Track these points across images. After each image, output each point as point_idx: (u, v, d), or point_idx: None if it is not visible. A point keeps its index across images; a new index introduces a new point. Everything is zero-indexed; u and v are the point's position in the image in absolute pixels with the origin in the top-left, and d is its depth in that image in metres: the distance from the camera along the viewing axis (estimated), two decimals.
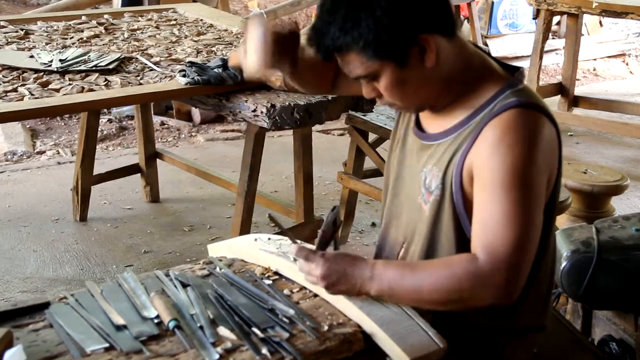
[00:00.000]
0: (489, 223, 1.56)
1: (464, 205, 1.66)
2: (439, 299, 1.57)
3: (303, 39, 1.80)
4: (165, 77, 2.97)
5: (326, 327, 1.53)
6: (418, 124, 1.81)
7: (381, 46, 1.56)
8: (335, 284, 1.61)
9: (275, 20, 1.79)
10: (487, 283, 1.53)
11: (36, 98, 2.69)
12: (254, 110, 2.77)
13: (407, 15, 1.56)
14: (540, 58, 5.48)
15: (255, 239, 1.86)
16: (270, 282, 1.70)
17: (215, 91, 2.88)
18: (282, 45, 1.77)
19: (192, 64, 2.90)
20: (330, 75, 1.97)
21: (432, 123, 1.76)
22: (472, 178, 1.63)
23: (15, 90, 2.76)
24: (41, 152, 5.09)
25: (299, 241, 1.74)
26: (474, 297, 1.55)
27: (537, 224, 1.58)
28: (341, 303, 1.61)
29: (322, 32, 1.60)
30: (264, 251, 1.79)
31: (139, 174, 4.29)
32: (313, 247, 1.69)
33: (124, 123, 5.57)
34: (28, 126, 5.40)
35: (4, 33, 3.47)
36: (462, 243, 1.67)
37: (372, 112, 3.46)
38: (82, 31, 3.59)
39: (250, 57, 1.77)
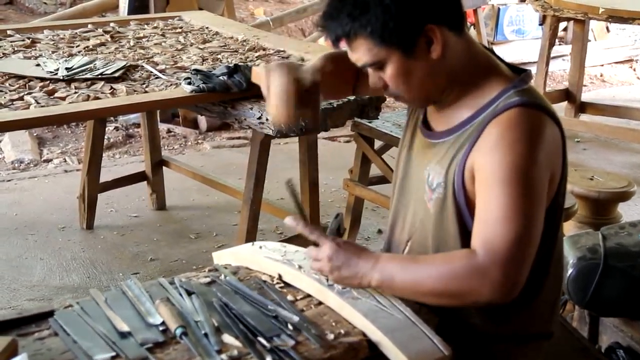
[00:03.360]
0: (489, 219, 1.57)
1: (467, 204, 1.67)
2: (436, 292, 1.59)
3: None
4: (171, 84, 2.98)
5: (331, 336, 1.53)
6: (425, 123, 1.82)
7: (388, 33, 1.60)
8: (340, 268, 1.64)
9: (297, 71, 1.81)
10: (485, 278, 1.53)
11: (42, 106, 2.70)
12: (260, 118, 2.77)
13: (415, 5, 1.60)
14: (547, 64, 5.47)
15: (260, 247, 1.86)
16: (275, 289, 1.70)
17: (221, 99, 2.88)
18: (305, 97, 1.80)
19: (197, 71, 2.90)
20: (350, 83, 2.00)
21: (438, 121, 1.77)
22: (474, 176, 1.63)
23: (21, 98, 2.77)
24: (48, 160, 5.10)
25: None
26: (472, 292, 1.55)
27: (538, 222, 1.58)
28: (346, 311, 1.60)
29: (332, 18, 1.64)
30: (269, 258, 1.79)
31: (145, 182, 4.30)
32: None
33: (131, 131, 5.58)
34: (35, 134, 5.42)
35: (11, 42, 3.48)
36: (466, 241, 1.66)
37: (378, 119, 3.46)
38: (88, 39, 3.60)
39: (272, 110, 1.81)
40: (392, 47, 1.62)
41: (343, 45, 1.68)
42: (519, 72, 1.73)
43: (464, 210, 1.67)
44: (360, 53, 1.66)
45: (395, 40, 1.61)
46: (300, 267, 1.73)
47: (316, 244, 1.70)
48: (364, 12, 1.60)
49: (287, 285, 1.73)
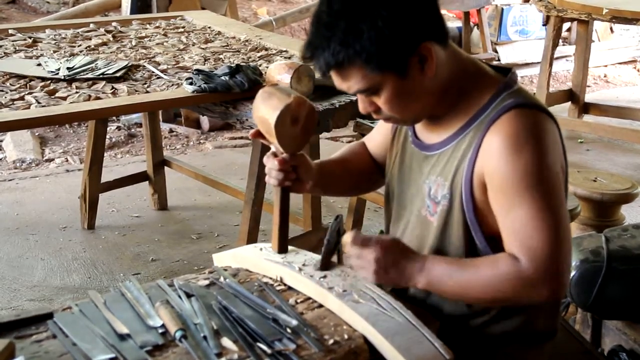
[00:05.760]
0: (520, 227, 1.57)
1: (475, 213, 1.65)
2: (485, 297, 1.62)
3: None
4: (172, 85, 2.97)
5: (331, 340, 1.52)
6: (416, 135, 1.79)
7: (384, 57, 1.55)
8: (387, 271, 1.63)
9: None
10: (533, 284, 1.56)
11: (43, 106, 2.69)
12: None
13: (408, 25, 1.55)
14: (550, 65, 5.45)
15: (261, 249, 1.85)
16: (275, 292, 1.69)
17: (222, 99, 2.87)
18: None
19: (199, 71, 2.89)
20: (369, 164, 2.00)
21: (431, 132, 1.74)
22: (484, 184, 1.62)
23: (22, 98, 2.76)
24: (50, 160, 5.10)
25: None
26: (522, 297, 1.59)
27: (565, 216, 1.60)
28: (346, 314, 1.59)
29: (322, 47, 1.57)
30: (269, 261, 1.77)
31: (146, 182, 4.29)
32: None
33: (133, 130, 5.58)
34: (37, 134, 5.42)
35: (13, 41, 3.48)
36: (471, 252, 1.66)
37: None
38: (90, 39, 3.59)
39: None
40: (387, 71, 1.57)
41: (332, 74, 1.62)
42: (503, 72, 1.71)
43: (471, 219, 1.65)
44: (352, 81, 1.60)
45: (391, 64, 1.56)
46: (300, 269, 1.72)
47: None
48: (358, 38, 1.53)
49: (287, 287, 1.72)
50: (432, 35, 1.59)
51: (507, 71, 1.71)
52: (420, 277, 1.62)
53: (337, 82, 1.63)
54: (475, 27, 7.31)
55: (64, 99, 2.79)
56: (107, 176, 4.18)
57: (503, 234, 1.61)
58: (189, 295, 1.64)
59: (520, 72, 6.81)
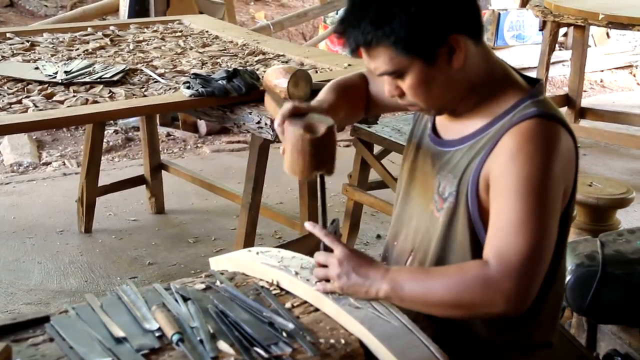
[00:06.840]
0: (502, 230, 1.56)
1: (479, 213, 1.65)
2: (447, 303, 1.57)
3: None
4: (170, 88, 2.98)
5: (327, 344, 1.52)
6: (434, 130, 1.80)
7: (412, 42, 1.56)
8: (349, 274, 1.61)
9: (310, 119, 1.71)
10: (497, 290, 1.52)
11: (40, 110, 2.69)
12: (258, 122, 2.77)
13: (440, 14, 1.56)
14: (547, 69, 5.46)
15: (257, 253, 1.85)
16: (271, 296, 1.69)
17: (220, 103, 2.88)
18: (321, 153, 1.70)
19: (196, 75, 2.90)
20: (361, 107, 1.99)
21: (449, 129, 1.75)
22: (489, 185, 1.62)
23: (19, 102, 2.77)
24: (47, 164, 5.10)
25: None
26: (484, 304, 1.54)
27: (552, 234, 1.58)
28: (342, 317, 1.60)
29: (353, 25, 1.60)
30: (265, 264, 1.78)
31: (144, 186, 4.29)
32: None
33: (130, 134, 5.58)
34: (34, 137, 5.41)
35: (10, 45, 3.48)
36: (476, 251, 1.65)
37: (377, 124, 3.46)
38: (88, 43, 3.60)
39: (287, 165, 1.71)
40: (414, 56, 1.58)
41: (361, 54, 1.64)
42: (531, 82, 1.72)
43: (475, 219, 1.66)
44: (379, 62, 1.61)
45: (419, 50, 1.57)
46: (296, 273, 1.72)
47: (327, 249, 1.68)
48: (388, 21, 1.55)
49: (283, 291, 1.72)
50: (463, 29, 1.60)
51: (535, 81, 1.72)
52: (383, 284, 1.59)
53: (366, 61, 1.65)
54: None
55: (62, 102, 2.80)
56: (104, 180, 4.18)
57: (487, 236, 1.60)
58: (185, 299, 1.64)
59: None
